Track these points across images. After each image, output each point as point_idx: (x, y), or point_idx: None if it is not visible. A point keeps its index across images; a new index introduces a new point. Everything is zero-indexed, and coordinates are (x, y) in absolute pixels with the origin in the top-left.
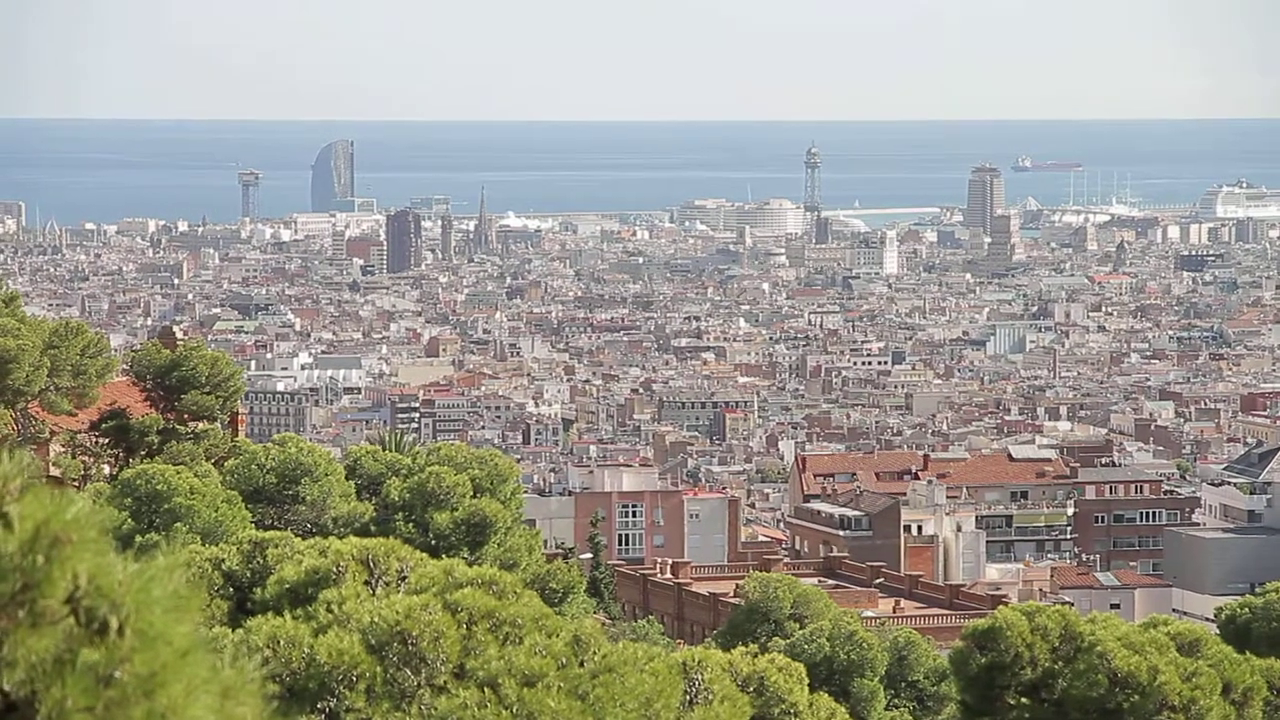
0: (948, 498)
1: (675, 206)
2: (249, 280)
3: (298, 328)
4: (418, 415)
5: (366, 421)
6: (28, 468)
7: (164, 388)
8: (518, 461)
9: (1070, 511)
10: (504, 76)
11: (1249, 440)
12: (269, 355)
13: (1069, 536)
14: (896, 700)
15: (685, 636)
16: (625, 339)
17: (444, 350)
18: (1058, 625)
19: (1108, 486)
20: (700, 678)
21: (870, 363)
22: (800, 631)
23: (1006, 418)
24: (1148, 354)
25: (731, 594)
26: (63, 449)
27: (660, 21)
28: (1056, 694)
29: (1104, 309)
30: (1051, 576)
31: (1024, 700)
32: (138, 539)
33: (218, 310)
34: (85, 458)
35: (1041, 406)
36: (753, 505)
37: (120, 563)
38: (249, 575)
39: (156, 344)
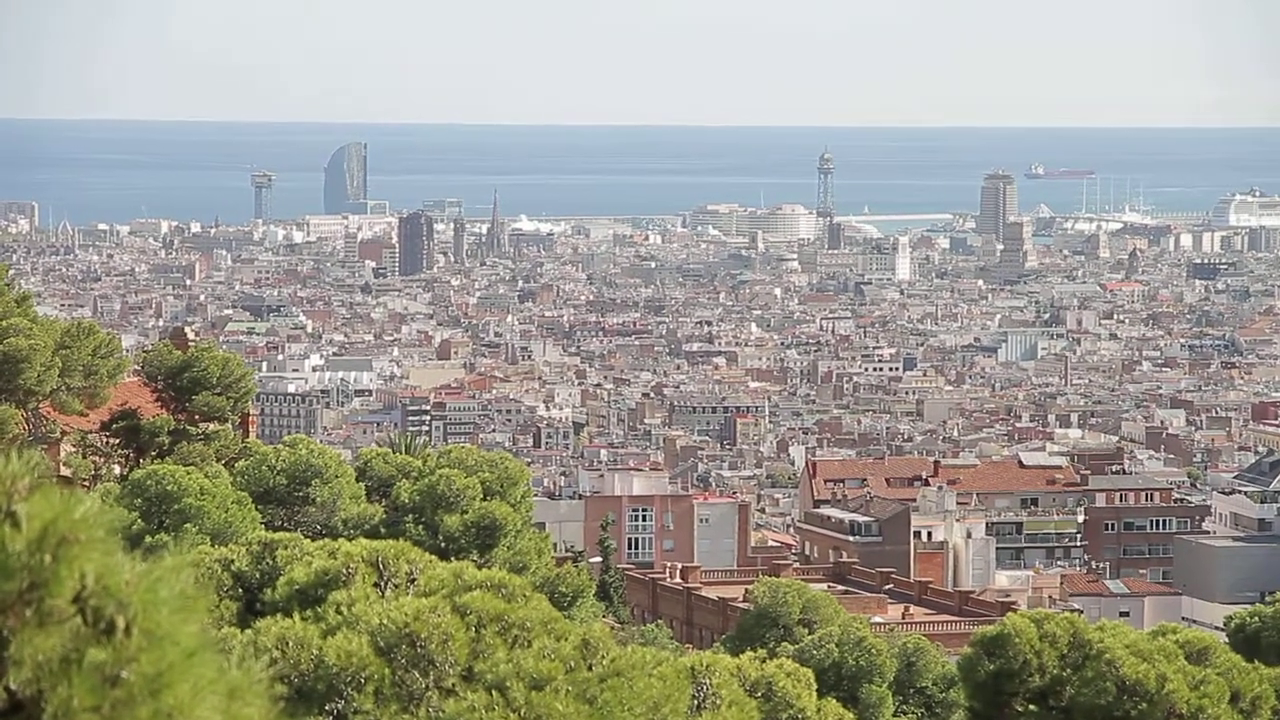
0: (958, 504)
1: (688, 211)
2: (261, 282)
3: (309, 329)
4: (428, 418)
5: (377, 424)
6: (37, 467)
7: (175, 388)
8: (528, 465)
9: (1080, 519)
10: (517, 80)
11: (1260, 449)
12: (280, 357)
13: (1079, 544)
14: (905, 706)
15: (694, 641)
16: (636, 343)
17: (455, 353)
18: (1066, 633)
19: (1118, 494)
20: (708, 683)
21: (881, 369)
22: (809, 637)
23: (1017, 425)
24: (1159, 362)
25: (741, 599)
26: (73, 449)
27: (673, 26)
28: (1065, 701)
29: (1116, 317)
30: (1061, 584)
31: (1032, 707)
32: (147, 539)
33: (229, 311)
34: (96, 458)
35: (1052, 414)
36: (763, 510)
37: (128, 563)
38: (258, 576)
39: (168, 345)
